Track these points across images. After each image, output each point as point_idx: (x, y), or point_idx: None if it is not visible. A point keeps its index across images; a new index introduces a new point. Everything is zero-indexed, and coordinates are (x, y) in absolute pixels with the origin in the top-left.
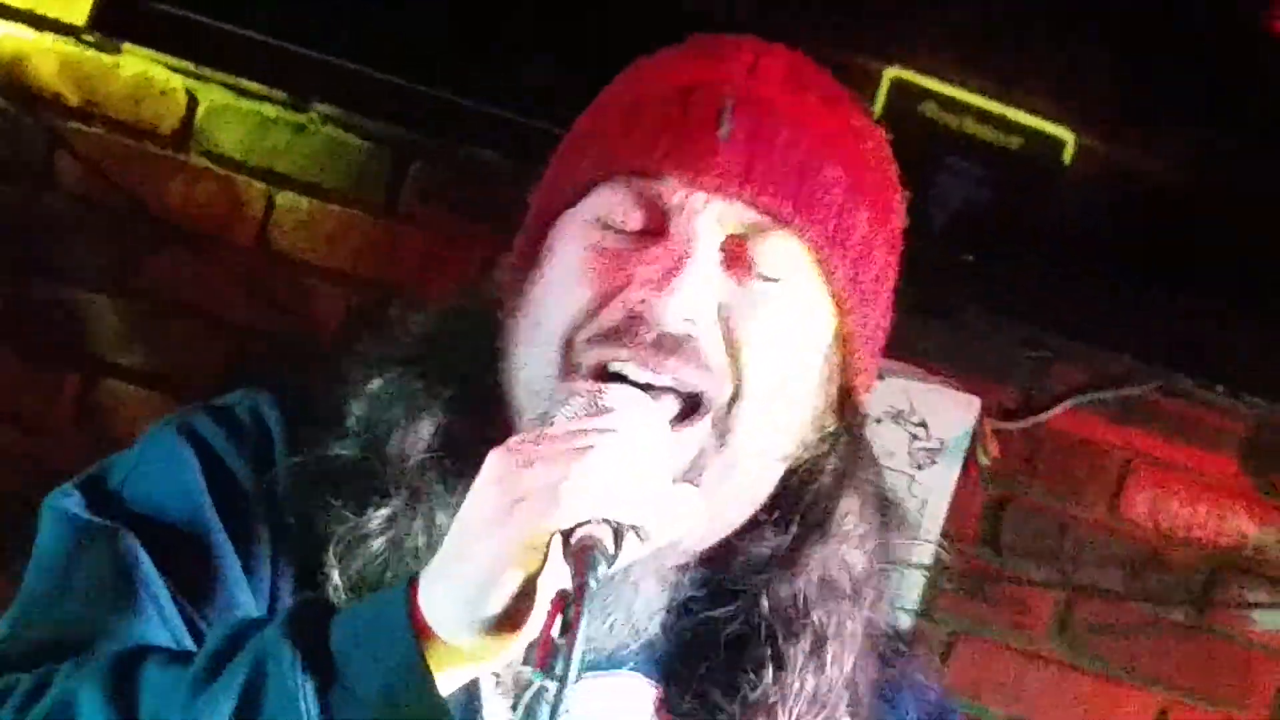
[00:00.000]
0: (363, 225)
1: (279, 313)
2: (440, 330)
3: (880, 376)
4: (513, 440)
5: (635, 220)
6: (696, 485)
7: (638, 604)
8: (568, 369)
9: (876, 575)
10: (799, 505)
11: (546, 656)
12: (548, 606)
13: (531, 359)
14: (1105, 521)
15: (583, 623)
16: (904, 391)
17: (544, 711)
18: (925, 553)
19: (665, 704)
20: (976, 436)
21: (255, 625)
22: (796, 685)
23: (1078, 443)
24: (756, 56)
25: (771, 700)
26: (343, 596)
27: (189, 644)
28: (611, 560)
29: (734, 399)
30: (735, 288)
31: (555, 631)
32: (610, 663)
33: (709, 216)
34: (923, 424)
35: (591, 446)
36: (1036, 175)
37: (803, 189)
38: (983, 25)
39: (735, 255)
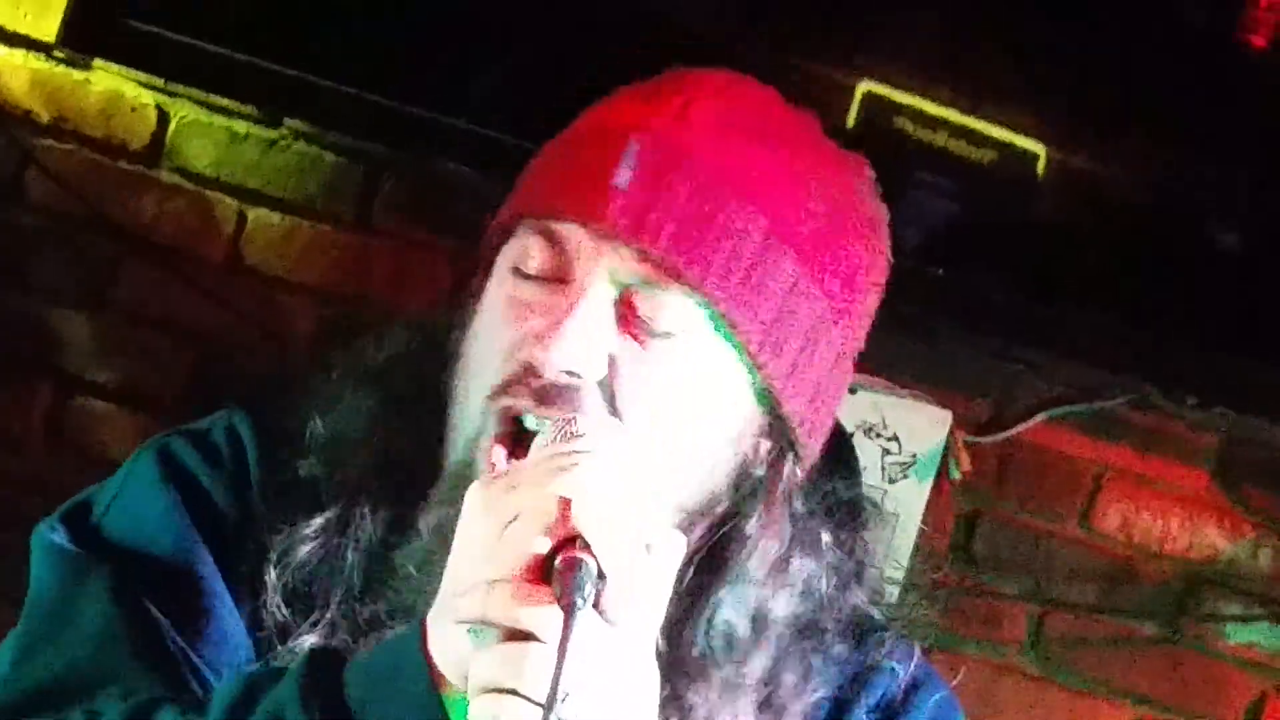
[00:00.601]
0: (334, 240)
1: (251, 328)
2: (404, 353)
3: (852, 391)
4: (486, 476)
5: (540, 266)
6: None
7: None
8: (485, 420)
9: (814, 614)
10: (703, 550)
11: None
12: None
13: (460, 406)
14: (1078, 535)
15: (571, 642)
16: (875, 406)
17: None
18: (898, 568)
19: None
20: (949, 450)
21: (268, 678)
22: None
23: (1050, 456)
24: (690, 98)
25: None
26: (280, 610)
27: (190, 682)
28: (598, 580)
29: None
30: (628, 342)
31: None
32: None
33: (603, 266)
34: (895, 438)
35: (576, 464)
36: (1009, 189)
37: (701, 242)
38: (956, 39)
39: (628, 307)
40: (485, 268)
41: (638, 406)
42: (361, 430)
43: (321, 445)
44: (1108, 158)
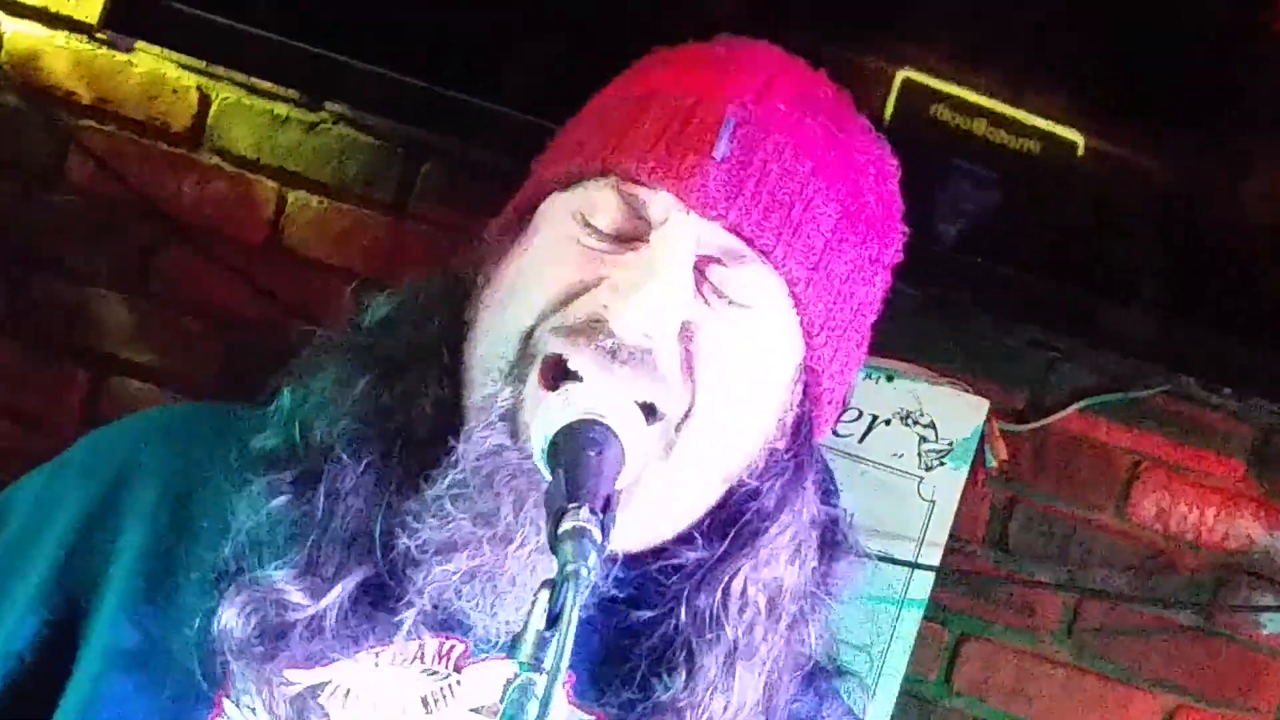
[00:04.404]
0: (373, 224)
1: (289, 311)
2: (400, 313)
3: (890, 378)
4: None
5: (617, 224)
6: (635, 489)
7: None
8: (524, 355)
9: (809, 601)
10: (734, 523)
11: (534, 649)
12: (533, 598)
13: (491, 337)
14: (1113, 524)
15: (574, 612)
16: (913, 393)
17: (532, 705)
18: (933, 555)
19: (574, 690)
20: (985, 438)
21: None
22: (707, 694)
23: (1086, 445)
24: (771, 75)
25: (680, 704)
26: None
27: None
28: (601, 549)
29: (685, 415)
30: (703, 308)
31: (541, 623)
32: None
33: (688, 234)
34: (931, 425)
35: None
36: (1046, 177)
37: (787, 222)
38: (994, 27)
39: (708, 277)
40: (521, 209)
41: (713, 371)
42: (338, 395)
43: (286, 417)
44: (1146, 146)
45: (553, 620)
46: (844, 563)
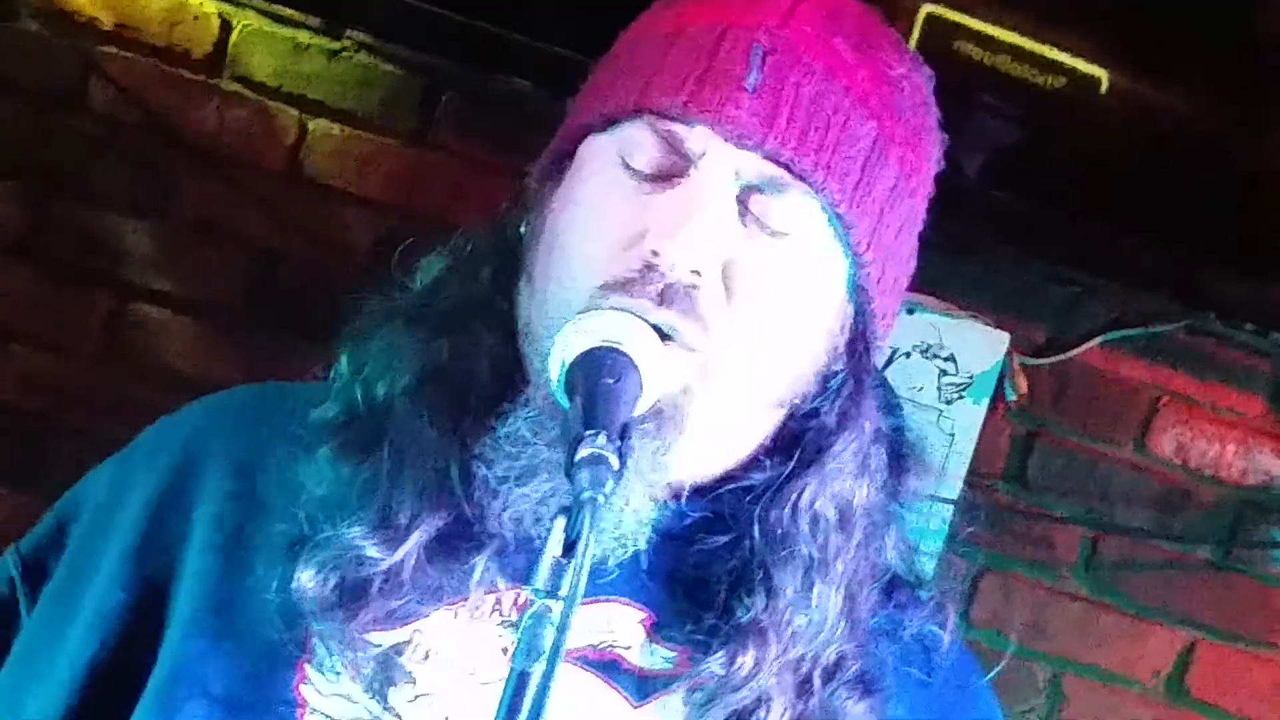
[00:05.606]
0: (394, 153)
1: (309, 239)
2: (449, 270)
3: (910, 311)
4: None
5: (655, 163)
6: (682, 419)
7: (625, 521)
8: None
9: (881, 513)
10: (797, 443)
11: (550, 575)
12: (549, 525)
13: (553, 296)
14: (1132, 459)
15: (590, 539)
16: (933, 326)
17: (547, 633)
18: (952, 488)
19: (655, 628)
20: (1005, 372)
21: None
22: (788, 612)
23: (1106, 379)
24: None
25: (763, 624)
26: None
27: None
28: (619, 476)
29: (727, 346)
30: (746, 240)
31: (559, 549)
32: (595, 590)
33: (727, 166)
34: (952, 359)
35: None
36: (1069, 113)
37: (824, 145)
38: None
39: (750, 207)
40: (559, 153)
41: (755, 302)
42: (395, 355)
43: (345, 384)
44: (1170, 83)
45: (569, 547)
46: (914, 473)
